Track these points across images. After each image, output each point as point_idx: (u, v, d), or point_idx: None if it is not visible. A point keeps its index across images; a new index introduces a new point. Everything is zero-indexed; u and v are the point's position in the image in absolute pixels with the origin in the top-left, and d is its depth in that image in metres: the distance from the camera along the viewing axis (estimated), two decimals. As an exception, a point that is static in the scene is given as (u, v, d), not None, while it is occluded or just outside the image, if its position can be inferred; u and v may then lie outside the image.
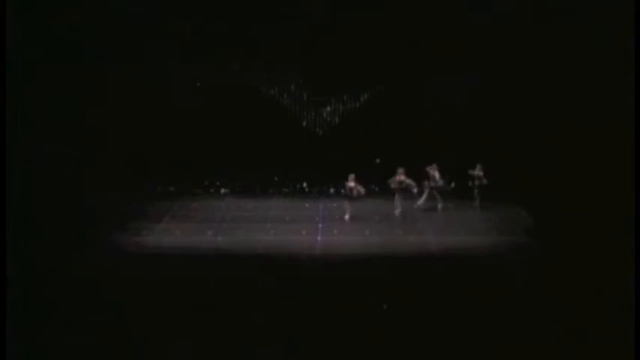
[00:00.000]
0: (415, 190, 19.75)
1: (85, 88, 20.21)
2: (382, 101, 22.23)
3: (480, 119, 21.24)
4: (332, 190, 22.01)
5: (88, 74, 20.09)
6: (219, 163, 22.30)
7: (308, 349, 11.65)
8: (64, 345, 11.61)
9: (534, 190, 19.76)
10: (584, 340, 11.58)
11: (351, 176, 19.06)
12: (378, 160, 21.29)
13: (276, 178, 22.82)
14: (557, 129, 20.00)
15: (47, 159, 19.17)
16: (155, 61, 21.04)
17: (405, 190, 19.65)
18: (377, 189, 20.99)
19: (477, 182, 20.17)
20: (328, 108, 22.59)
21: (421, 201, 20.12)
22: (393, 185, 19.62)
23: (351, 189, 19.05)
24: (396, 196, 19.65)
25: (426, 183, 20.07)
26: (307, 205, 20.95)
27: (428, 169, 20.00)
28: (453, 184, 20.57)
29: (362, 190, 19.09)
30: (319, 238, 18.01)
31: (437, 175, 20.00)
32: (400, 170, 19.53)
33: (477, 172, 20.14)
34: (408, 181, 19.54)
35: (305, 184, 22.72)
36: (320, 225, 18.92)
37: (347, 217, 19.17)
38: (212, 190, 22.66)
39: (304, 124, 22.67)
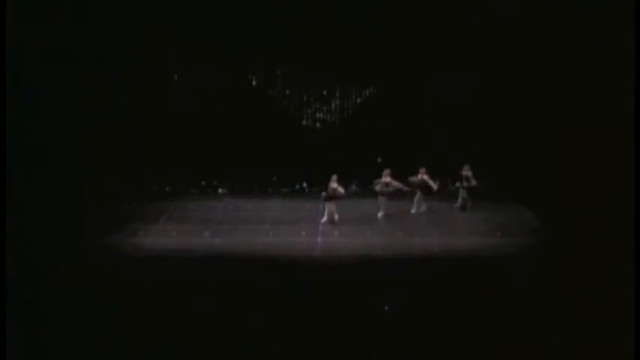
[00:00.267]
0: (405, 189, 19.47)
1: (85, 88, 20.20)
2: (382, 101, 22.21)
3: (480, 119, 21.22)
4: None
5: (88, 74, 20.10)
6: (216, 162, 22.09)
7: (309, 353, 11.52)
8: (64, 345, 11.60)
9: (534, 191, 19.77)
10: (584, 340, 11.58)
11: (334, 177, 18.70)
12: (379, 160, 21.19)
13: (275, 178, 22.69)
14: (557, 129, 20.00)
15: (47, 159, 19.19)
16: (154, 61, 20.99)
17: (392, 193, 19.30)
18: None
19: (464, 183, 19.93)
20: (328, 107, 22.54)
21: (415, 208, 19.90)
22: (378, 188, 19.27)
23: (334, 190, 18.67)
24: (380, 199, 19.30)
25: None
26: (307, 206, 20.69)
27: (420, 175, 19.68)
28: (457, 184, 20.45)
29: (342, 190, 18.73)
30: (319, 239, 17.83)
31: (427, 178, 19.68)
32: (386, 172, 19.22)
33: (466, 172, 19.91)
34: (395, 183, 19.23)
35: (305, 184, 22.64)
36: (320, 226, 18.70)
37: (336, 217, 18.81)
38: (209, 191, 22.44)
39: (304, 122, 22.57)
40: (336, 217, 18.86)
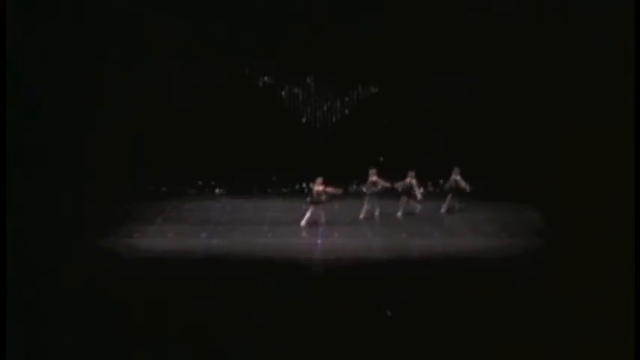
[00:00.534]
0: (389, 185, 19.09)
1: (85, 88, 20.22)
2: (382, 101, 22.21)
3: (480, 119, 21.23)
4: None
5: (88, 74, 20.11)
6: (214, 162, 21.89)
7: (309, 358, 11.39)
8: (63, 345, 11.60)
9: (534, 191, 19.77)
10: (585, 340, 11.57)
11: (319, 180, 18.47)
12: (381, 159, 21.14)
13: (274, 178, 22.62)
14: (557, 129, 20.01)
15: (47, 159, 19.19)
16: (152, 61, 20.98)
17: (379, 194, 19.07)
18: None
19: (453, 185, 19.72)
20: (327, 107, 22.54)
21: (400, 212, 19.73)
22: (365, 189, 19.10)
23: (319, 193, 18.39)
24: (367, 199, 19.11)
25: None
26: (307, 207, 20.56)
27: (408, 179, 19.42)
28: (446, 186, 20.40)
29: (332, 190, 18.49)
30: (320, 241, 17.60)
31: (414, 183, 19.41)
32: (372, 171, 19.05)
33: (455, 176, 19.70)
34: (382, 182, 19.00)
35: (305, 184, 22.56)
36: (320, 227, 18.47)
37: (323, 220, 18.56)
38: (207, 191, 22.28)
39: (304, 121, 22.49)
40: (323, 219, 18.56)
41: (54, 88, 19.48)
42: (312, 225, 18.47)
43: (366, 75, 22.05)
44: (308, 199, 18.80)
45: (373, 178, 19.00)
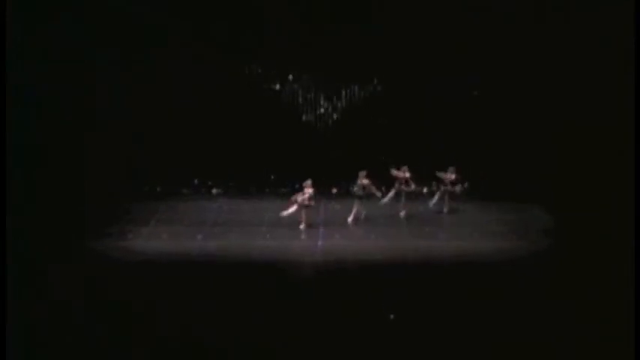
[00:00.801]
0: (379, 195, 18.80)
1: (85, 88, 20.22)
2: (382, 101, 22.18)
3: (480, 119, 21.23)
4: (334, 191, 21.16)
5: (88, 74, 20.11)
6: (210, 160, 21.42)
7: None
8: (63, 345, 11.59)
9: (533, 190, 19.77)
10: (585, 341, 11.57)
11: (308, 182, 18.11)
12: (383, 158, 21.05)
13: (272, 177, 22.32)
14: (557, 129, 20.01)
15: (47, 159, 19.20)
16: (152, 61, 20.95)
17: (367, 197, 18.64)
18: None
19: (448, 187, 19.52)
20: (327, 106, 22.52)
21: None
22: (356, 189, 18.67)
23: (303, 198, 17.93)
24: (356, 202, 18.68)
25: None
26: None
27: (395, 174, 19.14)
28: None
29: (308, 195, 18.00)
30: (320, 242, 17.22)
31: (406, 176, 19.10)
32: (362, 174, 18.62)
33: (449, 175, 19.53)
34: (373, 188, 18.55)
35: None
36: (321, 229, 18.12)
37: (302, 226, 18.12)
38: (203, 191, 21.73)
39: (303, 120, 22.42)
40: (302, 226, 18.09)
41: (54, 88, 19.48)
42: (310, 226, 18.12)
43: (365, 75, 22.01)
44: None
45: (364, 181, 18.57)
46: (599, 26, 18.76)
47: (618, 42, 17.55)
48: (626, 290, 12.46)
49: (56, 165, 19.31)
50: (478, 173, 21.19)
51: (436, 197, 19.81)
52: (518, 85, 20.59)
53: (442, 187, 19.75)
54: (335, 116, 22.49)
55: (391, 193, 19.27)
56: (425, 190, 20.77)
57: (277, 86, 22.15)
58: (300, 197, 18.04)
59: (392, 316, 12.42)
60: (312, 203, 18.08)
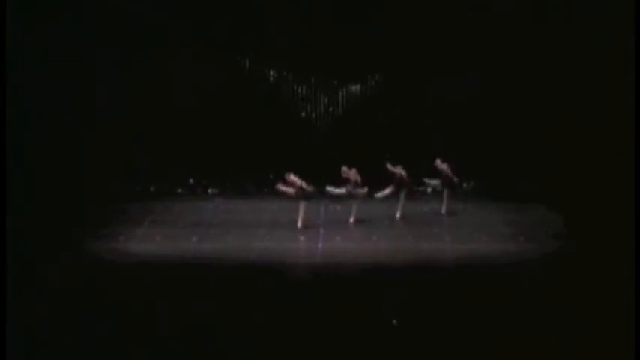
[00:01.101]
0: (365, 190, 18.29)
1: (85, 88, 20.23)
2: (382, 101, 22.19)
3: (480, 119, 21.24)
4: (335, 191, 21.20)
5: (88, 74, 20.12)
6: (206, 159, 21.20)
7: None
8: (63, 345, 11.60)
9: (534, 190, 19.78)
10: (585, 341, 11.57)
11: (290, 175, 17.89)
12: (387, 156, 20.91)
13: (271, 177, 22.01)
14: (557, 129, 20.02)
15: (47, 159, 19.21)
16: (152, 61, 20.96)
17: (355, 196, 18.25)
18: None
19: (448, 175, 19.01)
20: (327, 106, 22.51)
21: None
22: (350, 188, 18.25)
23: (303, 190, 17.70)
24: (354, 204, 18.38)
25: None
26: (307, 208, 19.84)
27: (391, 169, 18.80)
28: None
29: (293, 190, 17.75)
30: (320, 244, 16.79)
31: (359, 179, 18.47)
32: (353, 171, 18.25)
33: (441, 166, 18.99)
34: (360, 190, 18.18)
35: (304, 184, 22.26)
36: (321, 230, 17.75)
37: (299, 224, 17.82)
38: (199, 191, 21.48)
39: (303, 115, 22.26)
40: (300, 224, 17.82)
41: (54, 88, 19.48)
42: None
43: (365, 75, 22.03)
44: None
45: (357, 178, 18.22)
46: (599, 26, 18.78)
47: (618, 42, 17.56)
48: (626, 290, 12.45)
49: (56, 165, 19.31)
50: (478, 173, 21.22)
51: (445, 198, 19.31)
52: (518, 85, 20.61)
53: (441, 185, 19.43)
54: (334, 115, 22.51)
55: (387, 190, 18.90)
56: (428, 189, 20.70)
57: (277, 86, 22.17)
58: (291, 189, 17.75)
59: (395, 322, 12.09)
60: (311, 189, 17.82)
